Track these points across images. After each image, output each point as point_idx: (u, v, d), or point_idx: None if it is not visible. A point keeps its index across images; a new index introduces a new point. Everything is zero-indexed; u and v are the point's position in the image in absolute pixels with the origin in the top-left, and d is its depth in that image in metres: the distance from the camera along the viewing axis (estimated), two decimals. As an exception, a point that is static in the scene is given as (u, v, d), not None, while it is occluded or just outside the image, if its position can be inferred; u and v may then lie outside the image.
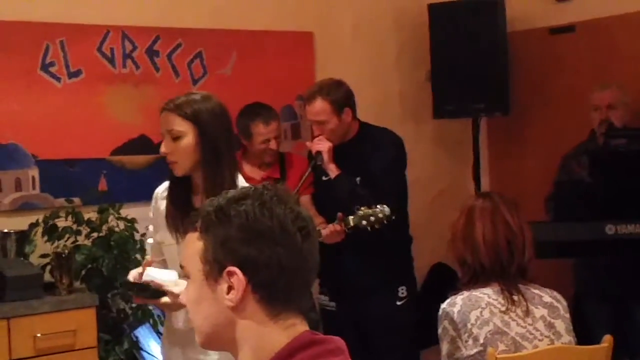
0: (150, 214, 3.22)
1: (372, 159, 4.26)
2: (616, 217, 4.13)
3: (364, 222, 3.85)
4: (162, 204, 3.09)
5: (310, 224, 1.68)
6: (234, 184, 2.91)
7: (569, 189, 4.46)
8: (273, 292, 1.64)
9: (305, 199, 4.32)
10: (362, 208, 3.87)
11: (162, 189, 3.17)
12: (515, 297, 2.87)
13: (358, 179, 4.20)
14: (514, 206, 2.98)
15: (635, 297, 4.38)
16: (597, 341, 2.95)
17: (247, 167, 4.39)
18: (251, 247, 1.63)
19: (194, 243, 1.68)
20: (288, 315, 1.65)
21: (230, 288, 1.63)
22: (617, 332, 3.39)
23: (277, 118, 4.51)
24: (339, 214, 3.91)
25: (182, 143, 2.92)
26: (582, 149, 4.57)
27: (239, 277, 1.62)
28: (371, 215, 3.85)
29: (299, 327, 1.65)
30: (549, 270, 3.95)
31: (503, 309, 2.84)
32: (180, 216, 2.96)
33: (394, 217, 3.95)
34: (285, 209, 1.66)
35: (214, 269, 1.64)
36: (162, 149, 2.98)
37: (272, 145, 4.37)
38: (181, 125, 2.93)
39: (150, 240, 3.23)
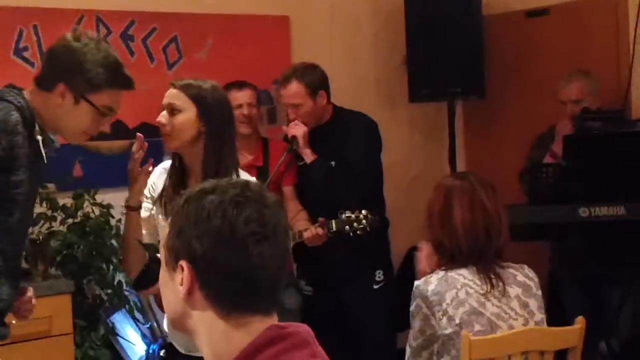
0: (146, 191, 3.19)
1: (347, 143, 4.29)
2: (590, 199, 4.15)
3: (347, 228, 3.86)
4: (161, 181, 3.15)
5: (270, 230, 1.62)
6: (228, 174, 2.97)
7: (545, 168, 4.47)
8: (221, 293, 1.62)
9: (289, 190, 4.33)
10: (347, 213, 3.87)
11: (161, 166, 3.23)
12: (493, 279, 2.88)
13: (332, 163, 4.21)
14: (490, 188, 2.98)
15: (609, 279, 4.43)
16: (572, 323, 2.97)
17: None
18: (202, 245, 1.61)
19: (165, 230, 1.70)
20: (241, 314, 1.63)
21: (181, 282, 1.63)
22: (592, 314, 3.43)
23: (252, 87, 4.51)
24: (321, 219, 3.90)
25: (179, 117, 3.00)
26: (549, 135, 4.62)
27: (186, 272, 1.62)
28: (354, 221, 3.85)
29: (257, 324, 1.62)
30: (522, 251, 3.97)
31: (482, 291, 2.85)
32: (171, 198, 3.01)
33: (378, 222, 3.98)
34: (243, 210, 1.62)
35: (171, 258, 1.66)
36: (160, 118, 3.05)
37: (244, 110, 4.35)
38: (182, 101, 3.01)
39: (145, 214, 3.21)
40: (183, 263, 1.62)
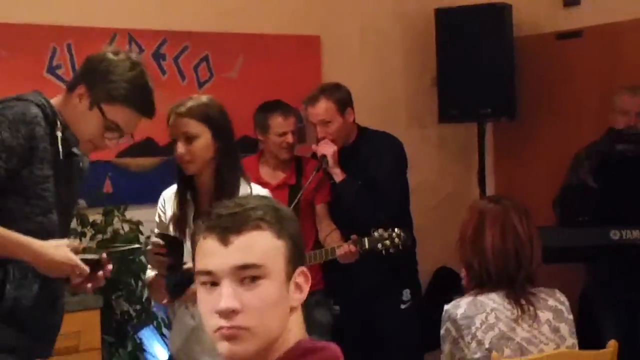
0: (156, 217, 3.26)
1: (373, 163, 4.32)
2: (621, 222, 4.13)
3: (379, 246, 3.86)
4: (170, 206, 3.17)
5: None
6: (238, 187, 3.03)
7: (575, 193, 4.44)
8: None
9: (322, 208, 4.34)
10: (379, 230, 3.87)
11: (170, 191, 3.24)
12: (524, 304, 2.86)
13: (359, 183, 4.22)
14: (524, 213, 2.95)
15: (641, 303, 4.39)
16: (604, 346, 2.93)
17: (263, 171, 4.40)
18: (302, 247, 1.71)
19: (269, 241, 1.64)
20: None
21: (296, 288, 1.66)
22: (625, 337, 3.39)
23: (295, 114, 4.55)
24: (354, 236, 3.91)
25: (197, 144, 3.06)
26: (593, 149, 4.52)
27: (306, 276, 1.67)
28: (387, 239, 3.85)
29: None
30: (556, 271, 3.95)
31: (512, 316, 2.83)
32: (185, 217, 3.10)
33: (410, 241, 3.99)
34: None
35: (292, 268, 1.65)
36: (178, 150, 3.08)
37: (289, 139, 4.36)
38: (195, 127, 3.06)
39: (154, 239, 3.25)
40: (303, 269, 1.67)
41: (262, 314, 1.60)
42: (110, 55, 2.77)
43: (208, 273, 1.62)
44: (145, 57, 4.66)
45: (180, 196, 3.14)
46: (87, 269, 2.68)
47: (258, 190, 3.10)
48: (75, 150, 2.80)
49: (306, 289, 1.66)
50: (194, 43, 4.83)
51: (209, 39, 4.87)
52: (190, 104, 3.12)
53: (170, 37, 4.76)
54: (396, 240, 3.86)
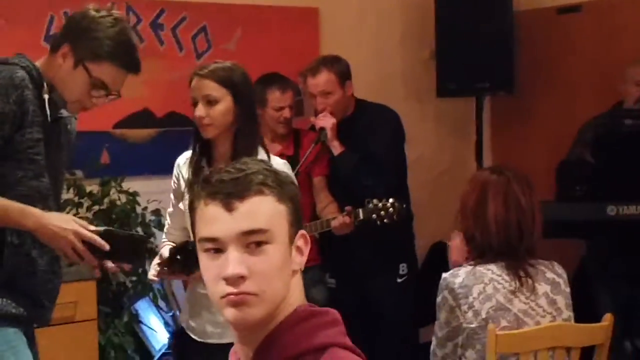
0: (172, 184, 3.24)
1: (370, 135, 4.31)
2: (618, 197, 4.14)
3: (374, 216, 3.84)
4: (185, 172, 3.15)
5: None
6: (255, 155, 3.00)
7: (572, 167, 4.45)
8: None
9: (319, 181, 4.33)
10: (374, 201, 3.86)
11: (184, 158, 3.22)
12: (522, 276, 2.87)
13: (357, 155, 4.22)
14: (527, 184, 2.96)
15: (638, 278, 4.40)
16: (600, 320, 2.97)
17: None
18: (300, 210, 1.70)
19: (272, 206, 1.64)
20: None
21: (297, 251, 1.66)
22: (620, 312, 3.40)
23: (293, 88, 4.54)
24: (348, 207, 3.90)
25: (218, 107, 3.03)
26: (598, 122, 4.52)
27: (306, 239, 1.68)
28: (382, 209, 3.84)
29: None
30: (553, 246, 3.96)
31: (510, 288, 2.84)
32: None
33: (404, 210, 3.96)
34: None
35: (294, 232, 1.66)
36: (198, 112, 3.05)
37: (286, 113, 4.35)
38: (217, 91, 3.02)
39: (170, 210, 3.25)
40: (303, 232, 1.68)
41: (269, 279, 1.60)
42: (92, 12, 2.74)
43: (213, 240, 1.61)
44: (143, 27, 4.69)
45: (195, 162, 3.10)
46: (104, 245, 2.62)
47: (277, 160, 3.10)
48: (63, 112, 2.79)
49: (306, 251, 1.67)
50: (192, 13, 4.81)
51: (207, 9, 4.86)
52: (213, 66, 3.07)
53: (168, 7, 4.75)
54: (390, 210, 3.84)
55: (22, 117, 2.61)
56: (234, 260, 1.58)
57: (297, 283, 1.67)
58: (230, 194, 1.61)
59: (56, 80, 2.72)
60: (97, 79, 2.71)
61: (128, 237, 2.93)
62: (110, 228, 2.87)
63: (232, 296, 1.60)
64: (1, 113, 2.57)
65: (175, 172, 3.21)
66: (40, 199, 2.70)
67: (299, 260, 1.66)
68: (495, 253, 2.89)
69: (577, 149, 4.50)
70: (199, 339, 3.11)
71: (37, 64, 2.73)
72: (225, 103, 3.01)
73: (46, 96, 2.68)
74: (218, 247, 1.60)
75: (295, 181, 1.77)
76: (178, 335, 3.75)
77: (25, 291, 2.71)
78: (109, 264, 2.73)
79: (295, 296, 1.66)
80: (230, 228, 1.60)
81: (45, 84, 2.69)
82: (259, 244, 1.60)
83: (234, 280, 1.59)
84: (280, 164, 3.00)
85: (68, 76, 2.72)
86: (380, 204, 3.84)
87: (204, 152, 3.10)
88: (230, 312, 1.60)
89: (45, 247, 2.74)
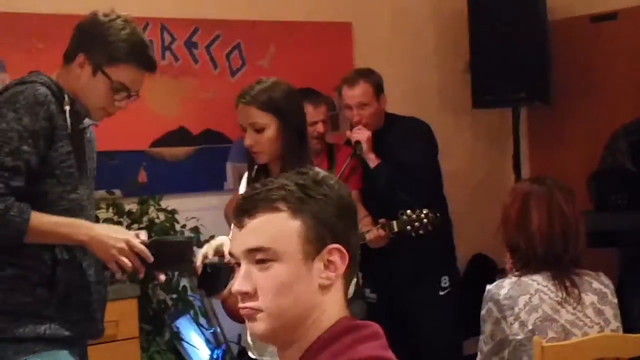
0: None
1: (402, 148, 4.33)
2: None
3: (408, 228, 3.84)
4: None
5: None
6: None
7: (611, 175, 4.40)
8: (354, 269, 1.68)
9: (354, 194, 4.31)
10: (407, 212, 3.86)
11: (245, 178, 3.24)
12: (568, 286, 2.85)
13: (392, 168, 4.23)
14: (569, 194, 2.94)
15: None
16: (635, 331, 2.94)
17: None
18: (345, 223, 1.67)
19: (281, 223, 1.64)
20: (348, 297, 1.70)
21: (326, 266, 1.64)
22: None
23: (327, 102, 4.55)
24: (382, 220, 3.90)
25: (265, 134, 3.00)
26: (632, 128, 4.49)
27: (342, 254, 1.64)
28: (416, 220, 3.84)
29: (348, 310, 1.70)
30: (588, 257, 3.95)
31: (557, 298, 2.82)
32: None
33: (439, 220, 3.96)
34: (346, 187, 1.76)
35: (315, 247, 1.64)
36: (247, 141, 3.04)
37: (319, 128, 4.34)
38: (262, 117, 2.99)
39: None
40: (336, 246, 1.64)
41: (274, 295, 1.62)
42: (101, 18, 2.77)
43: (232, 255, 1.69)
44: (178, 46, 4.74)
45: (251, 184, 3.12)
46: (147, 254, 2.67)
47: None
48: (85, 121, 2.81)
49: (341, 266, 1.65)
50: (225, 31, 4.84)
51: (241, 27, 4.89)
52: (254, 91, 3.02)
53: (202, 26, 4.79)
54: (425, 220, 3.85)
55: (52, 132, 2.64)
56: (240, 277, 1.65)
57: (333, 299, 1.66)
58: (243, 211, 1.66)
59: (77, 91, 2.74)
60: (118, 82, 2.74)
61: (175, 244, 2.92)
62: (157, 238, 2.89)
63: (243, 310, 1.66)
64: (34, 131, 2.60)
65: (241, 188, 3.23)
66: (81, 211, 2.74)
67: (328, 276, 1.64)
68: (540, 263, 2.87)
69: (611, 157, 4.47)
70: (256, 357, 3.09)
71: (53, 77, 2.75)
72: (272, 129, 2.98)
73: (67, 108, 2.70)
74: (237, 262, 1.67)
75: (340, 193, 1.74)
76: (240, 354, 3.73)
77: (79, 305, 2.73)
78: (162, 277, 2.79)
79: (332, 311, 1.66)
80: (239, 245, 1.66)
81: (65, 96, 2.71)
82: (264, 261, 1.63)
83: (240, 295, 1.64)
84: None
85: (89, 84, 2.74)
86: (414, 215, 3.84)
87: (259, 176, 3.07)
88: (247, 325, 1.68)
89: (93, 258, 2.76)
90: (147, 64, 2.79)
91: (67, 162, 2.71)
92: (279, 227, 1.63)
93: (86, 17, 2.82)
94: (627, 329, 3.09)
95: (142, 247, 2.65)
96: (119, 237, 2.65)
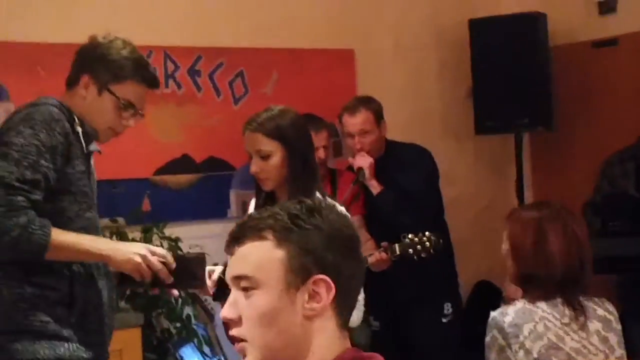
0: None
1: (404, 174, 4.36)
2: None
3: (411, 251, 3.83)
4: None
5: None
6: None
7: (614, 201, 4.40)
8: (347, 300, 1.66)
9: (358, 220, 4.34)
10: (409, 236, 3.85)
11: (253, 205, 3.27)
12: (577, 311, 2.83)
13: (394, 194, 4.26)
14: (577, 217, 2.95)
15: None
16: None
17: None
18: (335, 255, 1.64)
19: (266, 251, 1.64)
20: (346, 327, 1.67)
21: (311, 297, 1.62)
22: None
23: (327, 128, 4.56)
24: (384, 243, 3.90)
25: (271, 162, 3.04)
26: (627, 155, 4.49)
27: (328, 284, 1.62)
28: (418, 243, 3.83)
29: (347, 341, 1.67)
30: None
31: (562, 322, 2.79)
32: None
33: (441, 244, 3.94)
34: (347, 219, 1.72)
35: (298, 277, 1.62)
36: (253, 168, 3.07)
37: (320, 154, 4.33)
38: (268, 145, 3.02)
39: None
40: (322, 276, 1.62)
41: (255, 325, 1.63)
42: (101, 40, 2.85)
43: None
44: (181, 74, 4.76)
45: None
46: (170, 260, 2.73)
47: (341, 209, 3.08)
48: (91, 147, 2.84)
49: (327, 297, 1.62)
50: (228, 59, 4.87)
51: (244, 54, 4.91)
52: (261, 118, 3.07)
53: (205, 54, 4.81)
54: (427, 244, 3.83)
55: (68, 148, 2.68)
56: (227, 304, 1.66)
57: (322, 328, 1.64)
58: (234, 238, 1.68)
59: (84, 113, 2.78)
60: (124, 99, 2.79)
61: (189, 259, 2.96)
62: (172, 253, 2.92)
63: (233, 339, 1.67)
64: (51, 146, 2.63)
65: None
66: (96, 231, 2.80)
67: (313, 306, 1.62)
68: (560, 287, 2.83)
69: (608, 184, 4.48)
70: None
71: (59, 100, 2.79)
72: (278, 156, 3.02)
73: (79, 129, 2.74)
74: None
75: (334, 225, 1.71)
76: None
77: (94, 327, 2.78)
78: (175, 292, 2.87)
79: (323, 341, 1.64)
80: (228, 271, 1.68)
81: (75, 118, 2.75)
82: (247, 289, 1.63)
83: (227, 322, 1.66)
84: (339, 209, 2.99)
85: (95, 104, 2.79)
86: (416, 238, 3.83)
87: (267, 202, 3.07)
88: None
89: (106, 281, 2.80)
90: (151, 80, 2.86)
91: (83, 181, 2.75)
92: (262, 255, 1.63)
93: (86, 42, 2.87)
94: (629, 357, 3.08)
95: (164, 251, 2.74)
96: (140, 246, 2.74)
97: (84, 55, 2.86)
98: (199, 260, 2.89)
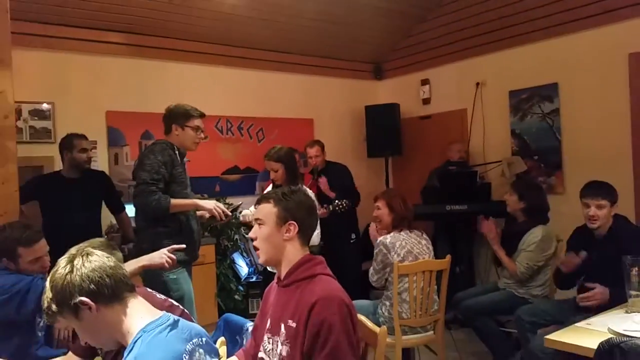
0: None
1: (337, 178, 4.15)
2: (451, 201, 3.98)
3: (337, 208, 3.61)
4: None
5: None
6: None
7: (431, 189, 4.39)
8: (305, 233, 1.59)
9: (312, 195, 4.12)
10: (336, 201, 3.64)
11: (269, 187, 3.07)
12: (416, 234, 2.76)
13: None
14: (404, 195, 2.88)
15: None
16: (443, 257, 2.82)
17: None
18: (302, 212, 1.57)
19: (269, 208, 1.57)
20: (307, 245, 1.62)
21: (287, 231, 1.55)
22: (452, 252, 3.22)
23: (319, 145, 4.15)
24: (325, 205, 3.63)
25: (278, 173, 2.84)
26: (437, 170, 4.32)
27: (294, 225, 1.55)
28: (339, 205, 3.60)
29: (307, 251, 1.60)
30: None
31: (413, 239, 2.70)
32: None
33: (351, 205, 3.78)
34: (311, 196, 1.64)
35: (282, 221, 1.56)
36: (272, 176, 2.84)
37: (312, 161, 4.04)
38: (276, 165, 2.85)
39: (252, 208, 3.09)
40: (291, 222, 1.54)
41: (262, 242, 1.55)
42: (172, 106, 2.63)
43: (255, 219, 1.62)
44: (233, 128, 4.58)
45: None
46: (227, 211, 2.59)
47: (308, 191, 2.71)
48: (184, 159, 2.62)
49: (294, 232, 1.53)
50: (256, 122, 4.67)
51: (261, 120, 4.68)
52: (271, 152, 2.92)
53: (244, 119, 4.61)
54: (345, 204, 3.60)
55: (172, 163, 2.53)
56: (252, 231, 1.60)
57: (293, 245, 1.54)
58: (258, 200, 1.61)
59: (177, 143, 2.60)
60: (195, 126, 2.59)
61: (235, 208, 2.80)
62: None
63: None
64: (165, 162, 2.49)
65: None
66: (189, 199, 2.62)
67: (287, 236, 1.54)
68: (404, 224, 2.75)
69: (430, 182, 4.35)
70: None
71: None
72: (281, 170, 2.91)
73: (177, 151, 2.59)
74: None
75: (301, 199, 1.59)
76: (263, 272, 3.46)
77: (189, 243, 2.59)
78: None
79: (294, 250, 1.54)
80: (254, 215, 1.61)
81: (175, 147, 2.59)
82: (260, 224, 1.58)
83: (252, 239, 1.58)
84: (309, 192, 2.72)
85: (184, 135, 2.56)
86: (339, 202, 3.62)
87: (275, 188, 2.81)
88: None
89: (196, 219, 2.61)
90: (201, 114, 2.64)
91: (182, 177, 2.58)
92: (267, 210, 1.57)
93: (167, 108, 2.65)
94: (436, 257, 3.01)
95: (222, 205, 2.59)
96: (213, 201, 2.59)
97: (170, 114, 2.61)
98: (237, 208, 2.84)
